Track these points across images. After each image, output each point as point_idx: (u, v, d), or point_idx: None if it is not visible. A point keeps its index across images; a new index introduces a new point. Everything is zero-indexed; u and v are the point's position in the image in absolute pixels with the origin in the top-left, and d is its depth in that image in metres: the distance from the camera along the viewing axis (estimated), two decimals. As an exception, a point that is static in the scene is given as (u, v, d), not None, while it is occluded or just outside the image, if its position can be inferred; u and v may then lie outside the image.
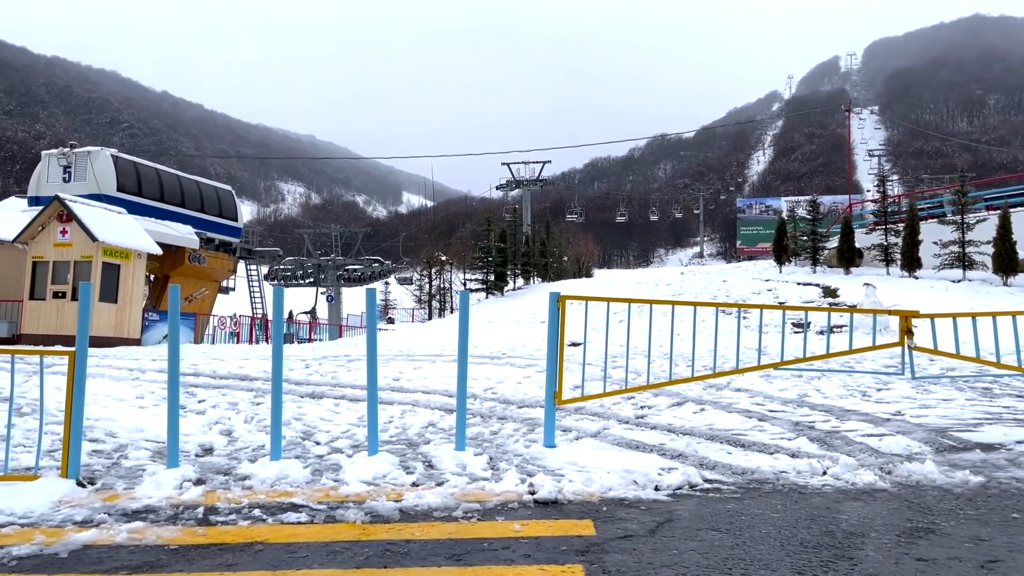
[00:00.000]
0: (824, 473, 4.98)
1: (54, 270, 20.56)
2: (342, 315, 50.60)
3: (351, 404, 8.30)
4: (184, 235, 27.46)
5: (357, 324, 43.47)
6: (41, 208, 21.59)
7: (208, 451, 6.02)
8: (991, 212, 25.71)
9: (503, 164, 60.64)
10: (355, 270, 55.29)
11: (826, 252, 27.56)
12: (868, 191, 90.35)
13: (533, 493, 4.50)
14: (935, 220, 26.51)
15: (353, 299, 54.75)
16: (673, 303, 6.10)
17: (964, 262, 23.15)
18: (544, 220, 54.61)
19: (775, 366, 6.23)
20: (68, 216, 20.58)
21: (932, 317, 5.99)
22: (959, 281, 22.38)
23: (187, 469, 5.09)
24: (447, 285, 48.33)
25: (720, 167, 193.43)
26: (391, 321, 55.01)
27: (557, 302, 5.85)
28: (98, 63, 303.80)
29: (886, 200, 27.37)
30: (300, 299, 53.65)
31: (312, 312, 50.26)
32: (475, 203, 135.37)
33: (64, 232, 20.65)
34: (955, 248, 23.43)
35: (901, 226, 25.24)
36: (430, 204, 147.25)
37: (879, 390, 8.79)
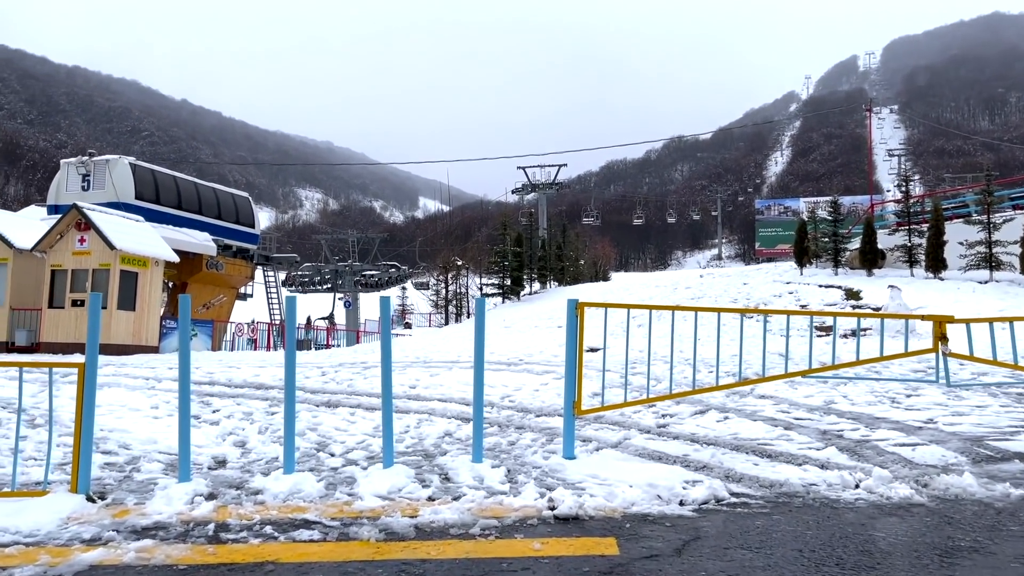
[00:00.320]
0: (857, 486, 4.77)
1: (73, 278, 20.67)
2: (359, 321, 50.67)
3: (367, 413, 8.18)
4: (201, 242, 27.55)
5: (374, 330, 43.47)
6: (59, 216, 21.72)
7: (221, 463, 5.91)
8: (1017, 212, 25.22)
9: (519, 168, 60.56)
10: (372, 275, 55.41)
11: (848, 253, 27.14)
12: (888, 191, 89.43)
13: (553, 508, 4.34)
14: (960, 220, 26.03)
15: (371, 305, 54.79)
16: (696, 309, 5.91)
17: (991, 263, 22.70)
18: (560, 223, 54.37)
19: (803, 374, 6.03)
20: (86, 224, 20.69)
21: (968, 322, 5.76)
22: (986, 282, 21.94)
23: (199, 483, 4.97)
24: (463, 290, 48.25)
25: (737, 168, 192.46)
26: (408, 326, 55.04)
27: (576, 309, 5.68)
28: (118, 72, 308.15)
29: (909, 200, 26.90)
30: (318, 305, 53.84)
31: (330, 318, 50.38)
32: (491, 207, 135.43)
33: (82, 240, 20.75)
34: (981, 248, 22.97)
35: (925, 226, 24.80)
36: (446, 209, 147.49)
37: (908, 396, 8.54)
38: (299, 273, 54.22)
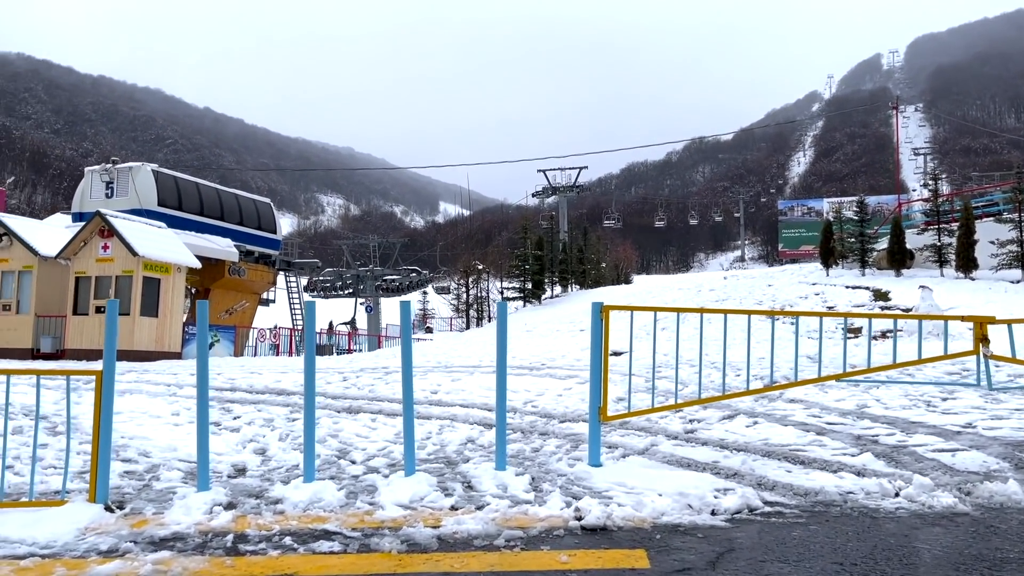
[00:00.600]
0: (897, 495, 4.58)
1: (96, 285, 20.84)
2: (381, 325, 50.76)
3: (388, 419, 8.08)
4: (223, 248, 27.70)
5: (396, 334, 43.51)
6: (83, 224, 21.92)
7: (241, 471, 5.83)
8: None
9: (539, 171, 60.32)
10: (393, 280, 55.51)
11: (875, 254, 26.67)
12: (914, 190, 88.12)
13: (580, 519, 4.20)
14: (990, 219, 25.50)
15: (392, 309, 54.87)
16: (725, 312, 5.74)
17: (1023, 262, 22.21)
18: (581, 226, 54.13)
19: (839, 377, 5.83)
20: (109, 231, 20.85)
21: (1010, 323, 5.54)
22: (1019, 282, 21.45)
23: (218, 492, 4.89)
24: (484, 294, 48.16)
25: (760, 169, 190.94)
26: (429, 330, 55.04)
27: (600, 313, 5.53)
28: (143, 82, 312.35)
29: (938, 199, 26.39)
30: (340, 310, 54.02)
31: (351, 323, 50.53)
32: (511, 211, 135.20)
33: (106, 247, 20.92)
34: (1013, 247, 22.47)
35: (954, 225, 24.31)
36: (466, 213, 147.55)
37: (944, 399, 8.28)
38: (321, 278, 54.43)
